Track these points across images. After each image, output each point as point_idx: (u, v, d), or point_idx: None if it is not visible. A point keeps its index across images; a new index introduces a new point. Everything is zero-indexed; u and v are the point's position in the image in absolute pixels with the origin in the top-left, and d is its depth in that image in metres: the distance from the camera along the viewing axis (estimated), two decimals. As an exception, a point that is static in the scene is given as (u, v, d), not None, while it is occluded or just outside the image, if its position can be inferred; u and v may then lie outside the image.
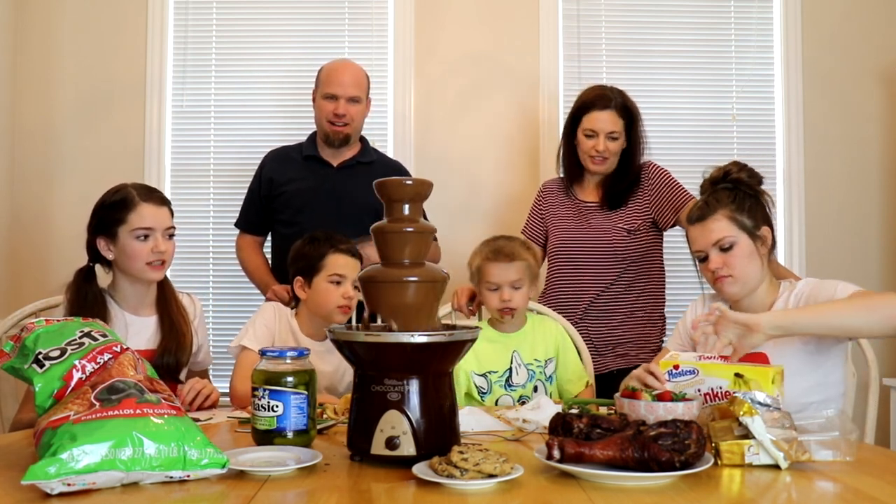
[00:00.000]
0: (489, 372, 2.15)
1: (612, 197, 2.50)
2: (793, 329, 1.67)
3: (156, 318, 2.01)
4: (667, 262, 2.60)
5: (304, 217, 2.58)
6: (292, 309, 2.22)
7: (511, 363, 2.16)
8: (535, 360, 2.18)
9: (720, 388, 1.57)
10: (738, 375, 1.56)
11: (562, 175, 2.63)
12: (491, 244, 2.19)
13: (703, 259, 1.86)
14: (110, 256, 1.96)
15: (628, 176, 2.51)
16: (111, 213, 1.94)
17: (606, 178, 2.54)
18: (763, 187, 1.92)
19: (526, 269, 2.15)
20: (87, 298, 1.93)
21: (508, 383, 2.15)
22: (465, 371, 2.13)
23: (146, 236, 1.93)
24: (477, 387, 2.14)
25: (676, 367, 1.62)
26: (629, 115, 2.48)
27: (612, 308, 2.47)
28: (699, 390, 1.58)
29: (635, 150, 2.52)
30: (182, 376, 2.03)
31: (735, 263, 1.81)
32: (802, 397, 1.74)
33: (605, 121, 2.45)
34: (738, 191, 1.86)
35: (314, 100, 2.69)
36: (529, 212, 2.70)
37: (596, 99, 2.49)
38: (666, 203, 2.49)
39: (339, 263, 2.12)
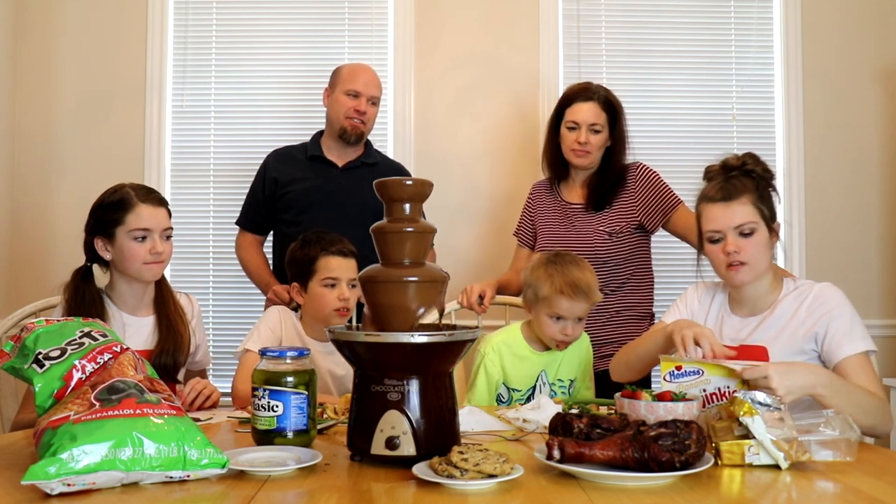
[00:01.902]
0: (514, 389, 2.11)
1: (597, 197, 2.49)
2: (819, 394, 1.58)
3: (153, 319, 2.00)
4: (656, 262, 2.60)
5: (308, 217, 2.58)
6: (295, 311, 2.21)
7: (536, 381, 2.11)
8: (559, 379, 2.13)
9: (728, 387, 1.56)
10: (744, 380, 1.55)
11: (546, 174, 2.63)
12: (564, 273, 2.03)
13: (716, 240, 1.78)
14: (108, 257, 1.96)
15: (612, 175, 2.49)
16: (109, 213, 1.94)
17: (590, 177, 2.53)
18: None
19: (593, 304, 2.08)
20: (84, 298, 1.93)
21: (529, 401, 2.09)
22: (497, 382, 2.09)
23: (144, 237, 1.92)
24: (498, 394, 2.11)
25: (679, 367, 1.61)
26: (612, 109, 2.47)
27: (598, 308, 2.45)
28: (704, 390, 1.57)
29: (618, 149, 2.50)
30: (180, 376, 2.03)
31: (752, 251, 1.75)
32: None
33: (587, 112, 2.45)
34: (757, 181, 1.80)
35: (327, 97, 2.70)
36: (521, 213, 2.70)
37: (579, 91, 2.50)
38: (653, 205, 2.48)
39: (331, 266, 2.10)
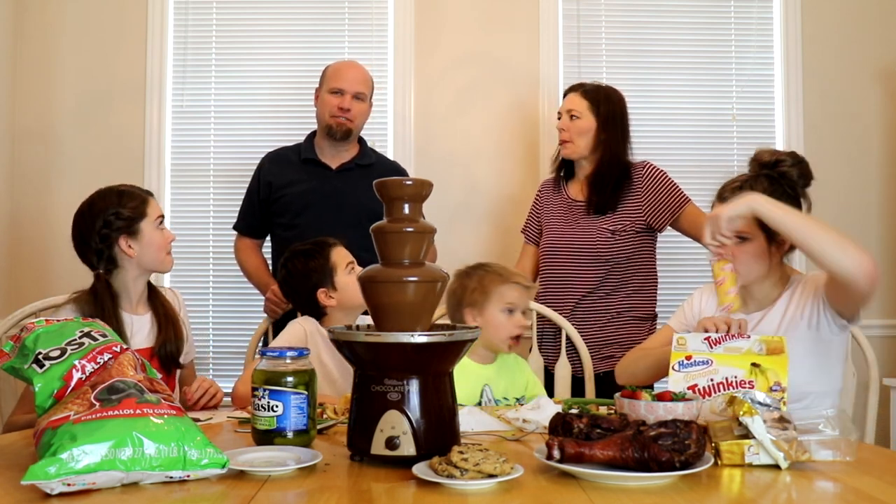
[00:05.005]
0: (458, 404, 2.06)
1: (599, 195, 2.49)
2: (773, 218, 1.64)
3: (150, 314, 2.05)
4: (660, 262, 2.60)
5: (304, 220, 2.58)
6: (320, 319, 2.20)
7: (481, 397, 2.02)
8: (505, 398, 2.04)
9: (735, 377, 1.57)
10: (754, 365, 1.56)
11: (552, 171, 2.67)
12: (504, 268, 2.05)
13: None
14: (133, 254, 1.99)
15: (613, 171, 2.50)
16: (130, 211, 1.99)
17: (592, 175, 2.53)
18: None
19: None
20: (104, 310, 1.92)
21: None
22: None
23: (162, 223, 2.05)
24: None
25: (689, 357, 1.61)
26: (596, 99, 2.51)
27: (599, 308, 2.46)
28: (712, 380, 1.58)
29: (612, 139, 2.51)
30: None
31: (741, 258, 1.79)
32: (804, 386, 1.74)
33: (568, 101, 2.56)
34: (778, 185, 1.80)
35: (317, 98, 2.69)
36: (529, 210, 2.71)
37: (571, 87, 2.61)
38: (660, 205, 2.48)
39: (343, 254, 2.17)
